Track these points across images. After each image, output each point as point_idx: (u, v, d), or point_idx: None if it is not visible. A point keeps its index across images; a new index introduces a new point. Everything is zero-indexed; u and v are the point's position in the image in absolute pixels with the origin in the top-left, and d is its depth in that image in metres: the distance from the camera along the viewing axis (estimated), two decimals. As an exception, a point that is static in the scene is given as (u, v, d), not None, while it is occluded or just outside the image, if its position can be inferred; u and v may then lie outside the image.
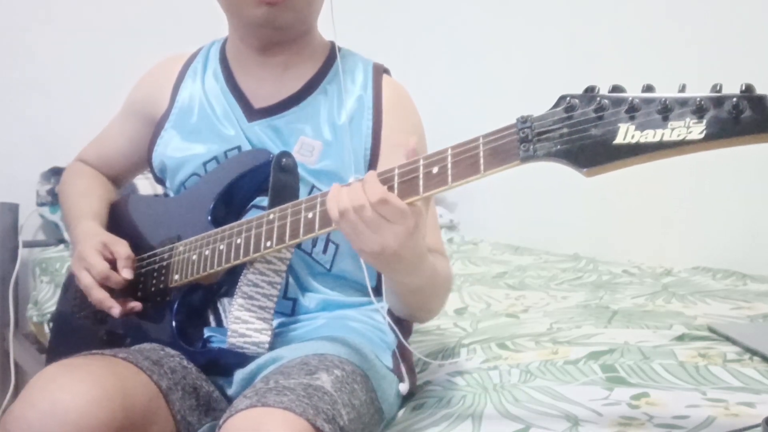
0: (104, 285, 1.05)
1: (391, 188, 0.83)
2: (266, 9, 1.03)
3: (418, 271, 0.90)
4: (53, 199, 2.47)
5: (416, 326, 1.19)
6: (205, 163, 1.11)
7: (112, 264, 1.06)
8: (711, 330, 1.27)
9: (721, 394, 0.95)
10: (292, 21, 1.06)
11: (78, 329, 1.19)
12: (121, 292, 1.07)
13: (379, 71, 1.14)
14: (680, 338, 1.23)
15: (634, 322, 1.38)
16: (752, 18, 2.02)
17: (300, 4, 1.04)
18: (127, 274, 1.06)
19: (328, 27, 1.13)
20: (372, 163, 1.08)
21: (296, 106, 1.10)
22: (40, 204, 2.50)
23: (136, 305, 1.06)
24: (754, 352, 1.12)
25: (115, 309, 1.04)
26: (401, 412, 1.04)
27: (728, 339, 1.21)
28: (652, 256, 2.18)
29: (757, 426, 0.79)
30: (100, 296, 1.05)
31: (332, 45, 1.16)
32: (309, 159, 1.07)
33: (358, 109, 1.10)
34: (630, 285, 1.84)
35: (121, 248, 1.08)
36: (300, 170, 1.03)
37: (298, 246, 1.06)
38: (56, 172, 2.47)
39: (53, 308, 2.02)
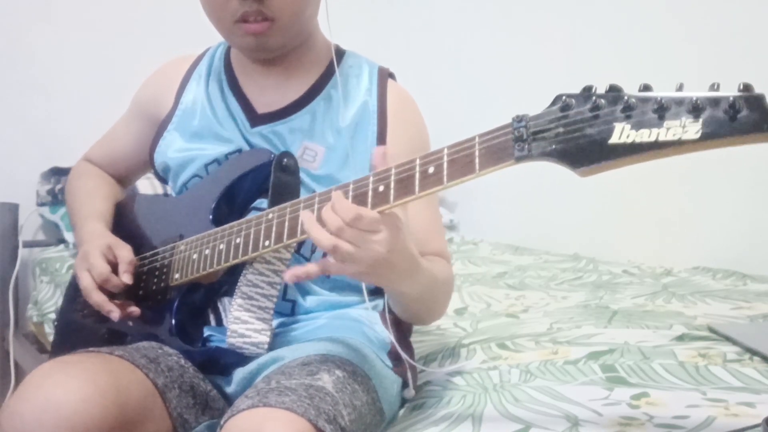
0: (104, 288, 1.05)
1: (387, 187, 0.83)
2: (253, 37, 1.03)
3: (416, 276, 0.91)
4: (53, 199, 2.46)
5: (416, 326, 1.19)
6: (206, 165, 1.11)
7: (114, 267, 1.06)
8: (711, 330, 1.27)
9: (721, 394, 0.95)
10: (282, 42, 1.06)
11: (80, 328, 1.19)
12: (122, 292, 1.07)
13: (385, 76, 1.13)
14: (680, 338, 1.23)
15: (634, 322, 1.38)
16: (752, 18, 2.02)
17: (285, 25, 1.03)
18: (126, 279, 1.06)
19: (325, 26, 1.12)
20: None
21: (299, 112, 1.09)
22: (40, 204, 2.50)
23: (134, 310, 1.06)
24: (754, 352, 1.13)
25: (114, 313, 1.04)
26: (401, 412, 1.04)
27: (728, 339, 1.21)
28: (651, 256, 2.18)
29: (757, 426, 0.79)
30: (98, 299, 1.04)
31: (336, 48, 1.15)
32: (312, 164, 1.06)
33: (363, 114, 1.09)
34: (630, 285, 1.84)
35: (124, 252, 1.08)
36: (303, 176, 1.04)
37: (297, 251, 1.06)
38: (56, 172, 2.47)
39: (53, 308, 2.03)
